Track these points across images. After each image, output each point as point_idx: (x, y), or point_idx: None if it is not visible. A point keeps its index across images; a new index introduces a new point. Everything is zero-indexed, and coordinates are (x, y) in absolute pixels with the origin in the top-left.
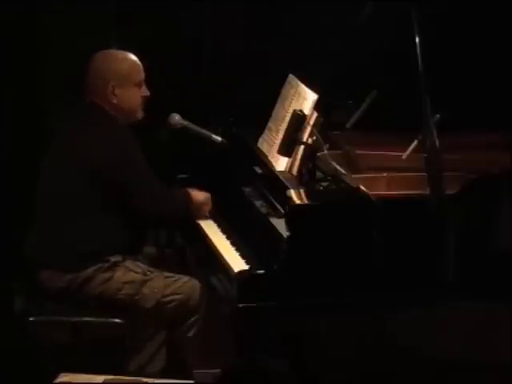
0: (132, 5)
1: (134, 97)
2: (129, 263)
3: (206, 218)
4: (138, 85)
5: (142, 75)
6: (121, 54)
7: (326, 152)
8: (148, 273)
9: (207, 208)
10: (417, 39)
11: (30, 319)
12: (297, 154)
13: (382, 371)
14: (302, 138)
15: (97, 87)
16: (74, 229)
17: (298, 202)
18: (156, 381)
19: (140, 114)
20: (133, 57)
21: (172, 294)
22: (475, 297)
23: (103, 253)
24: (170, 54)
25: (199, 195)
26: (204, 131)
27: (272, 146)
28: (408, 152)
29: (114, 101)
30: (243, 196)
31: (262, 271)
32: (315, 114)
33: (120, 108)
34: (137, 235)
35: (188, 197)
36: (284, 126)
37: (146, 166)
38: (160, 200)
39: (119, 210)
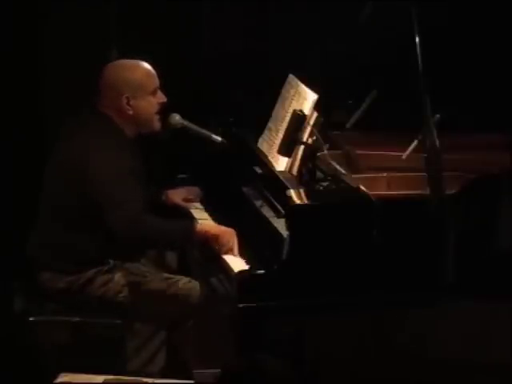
0: (132, 5)
1: (149, 106)
2: (129, 265)
3: (233, 254)
4: (153, 93)
5: (156, 82)
6: (132, 63)
7: (326, 152)
8: (148, 274)
9: (228, 244)
10: (417, 39)
11: (30, 319)
12: (297, 154)
13: (381, 371)
14: (301, 138)
15: (110, 100)
16: (72, 233)
17: (298, 201)
18: (156, 381)
19: (157, 125)
20: (145, 65)
21: (172, 295)
22: (475, 297)
23: (103, 257)
24: (170, 53)
25: (216, 229)
26: (204, 131)
27: (272, 145)
28: (408, 152)
29: (130, 112)
30: (243, 196)
31: (262, 271)
32: (315, 114)
33: (137, 119)
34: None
35: (190, 230)
36: (284, 125)
37: (129, 185)
38: (133, 224)
39: None
